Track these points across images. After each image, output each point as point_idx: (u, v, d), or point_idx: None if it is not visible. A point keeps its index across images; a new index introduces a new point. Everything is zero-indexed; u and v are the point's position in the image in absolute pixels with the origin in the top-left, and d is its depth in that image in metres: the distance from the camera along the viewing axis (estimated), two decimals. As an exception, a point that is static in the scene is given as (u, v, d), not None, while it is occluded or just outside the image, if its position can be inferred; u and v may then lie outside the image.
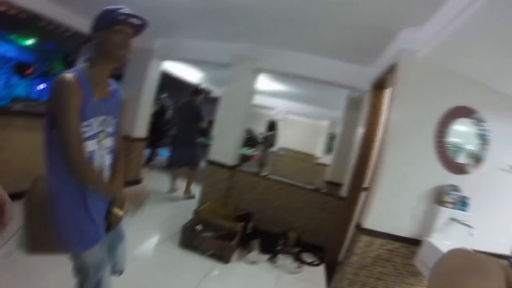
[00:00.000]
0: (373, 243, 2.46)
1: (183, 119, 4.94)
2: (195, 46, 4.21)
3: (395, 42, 2.57)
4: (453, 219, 2.37)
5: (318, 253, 3.57)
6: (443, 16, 1.91)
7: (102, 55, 1.32)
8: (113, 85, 1.46)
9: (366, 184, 3.13)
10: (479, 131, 2.44)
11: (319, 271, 3.31)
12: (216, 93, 8.37)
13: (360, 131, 3.68)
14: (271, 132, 6.78)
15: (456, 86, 2.38)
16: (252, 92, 4.16)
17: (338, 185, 4.41)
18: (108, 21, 1.29)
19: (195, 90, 5.09)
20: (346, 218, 3.39)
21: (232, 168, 3.94)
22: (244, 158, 6.27)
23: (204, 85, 7.14)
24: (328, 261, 3.41)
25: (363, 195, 3.10)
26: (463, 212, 2.40)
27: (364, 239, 2.47)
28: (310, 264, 3.37)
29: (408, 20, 2.25)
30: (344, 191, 3.83)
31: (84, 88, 1.25)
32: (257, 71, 3.99)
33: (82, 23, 3.79)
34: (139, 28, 1.36)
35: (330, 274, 3.14)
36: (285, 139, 8.74)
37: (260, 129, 7.91)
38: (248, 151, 7.36)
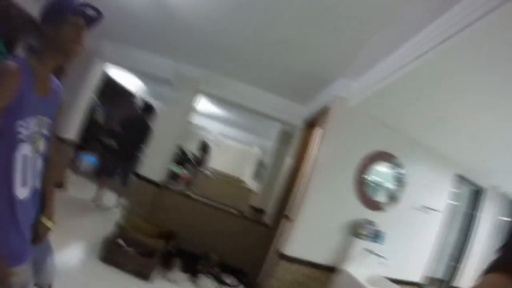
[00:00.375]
0: (291, 268, 2.63)
1: (130, 133, 4.81)
2: (141, 56, 4.17)
3: (330, 88, 2.90)
4: (367, 250, 2.68)
5: (238, 275, 3.64)
6: (376, 73, 2.26)
7: (51, 48, 1.17)
8: (54, 83, 1.29)
9: (288, 212, 3.34)
10: (396, 174, 2.83)
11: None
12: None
13: (288, 162, 3.94)
14: (202, 153, 6.80)
15: (379, 133, 2.78)
16: (189, 111, 4.22)
17: (262, 211, 4.59)
18: (62, 11, 1.16)
19: (147, 107, 5.07)
20: (267, 243, 3.55)
21: (159, 185, 3.88)
22: (173, 176, 6.18)
23: (141, 96, 6.98)
24: (248, 284, 3.50)
25: (284, 222, 3.30)
26: (377, 244, 2.72)
27: (284, 264, 2.63)
28: (229, 285, 3.42)
29: (344, 71, 2.59)
30: (267, 218, 4.01)
31: (25, 79, 1.09)
32: (197, 92, 4.08)
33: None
34: (93, 20, 1.23)
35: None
36: (216, 161, 8.79)
37: (192, 149, 7.87)
38: (177, 169, 7.25)
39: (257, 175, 8.03)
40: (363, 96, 2.43)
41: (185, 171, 7.24)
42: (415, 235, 3.15)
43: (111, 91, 6.73)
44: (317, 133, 3.27)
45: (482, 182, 3.77)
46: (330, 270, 2.69)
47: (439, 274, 3.78)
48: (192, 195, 4.13)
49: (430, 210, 3.10)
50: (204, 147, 7.00)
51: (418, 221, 3.09)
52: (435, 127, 2.60)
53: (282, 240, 2.81)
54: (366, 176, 2.75)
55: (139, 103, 5.24)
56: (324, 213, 2.69)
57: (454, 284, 3.73)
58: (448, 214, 3.33)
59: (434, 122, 2.50)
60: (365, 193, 2.76)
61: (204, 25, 2.69)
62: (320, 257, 2.69)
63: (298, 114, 3.87)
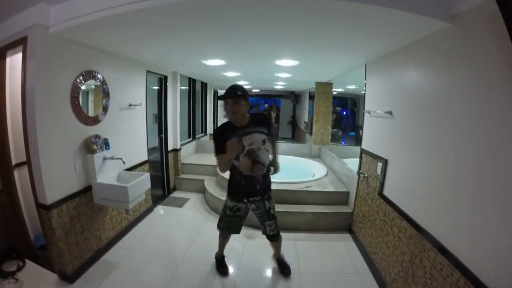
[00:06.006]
0: (62, 210, 2.67)
1: None
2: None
3: (25, 15, 2.34)
4: (105, 158, 3.13)
5: (15, 254, 2.96)
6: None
7: None
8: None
9: (16, 159, 3.05)
10: (101, 87, 3.15)
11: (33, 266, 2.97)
12: None
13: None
14: None
15: (81, 53, 2.79)
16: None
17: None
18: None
19: None
20: (14, 202, 3.11)
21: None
22: None
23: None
24: (32, 254, 3.13)
25: (20, 172, 3.10)
26: (108, 150, 3.19)
27: (55, 211, 2.58)
28: (19, 269, 2.83)
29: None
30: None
31: None
32: None
33: None
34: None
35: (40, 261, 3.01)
36: None
37: None
38: None
39: None
40: (67, 22, 2.24)
41: None
42: (131, 128, 3.85)
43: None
44: (8, 64, 2.88)
45: (164, 71, 4.95)
46: (88, 189, 3.02)
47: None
48: None
49: (135, 105, 3.88)
50: None
51: (129, 116, 3.78)
52: (130, 43, 2.93)
53: (35, 190, 2.54)
54: (78, 97, 2.80)
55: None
56: (59, 145, 2.64)
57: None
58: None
59: (128, 40, 2.79)
60: (81, 113, 2.87)
61: None
62: (76, 185, 2.87)
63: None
